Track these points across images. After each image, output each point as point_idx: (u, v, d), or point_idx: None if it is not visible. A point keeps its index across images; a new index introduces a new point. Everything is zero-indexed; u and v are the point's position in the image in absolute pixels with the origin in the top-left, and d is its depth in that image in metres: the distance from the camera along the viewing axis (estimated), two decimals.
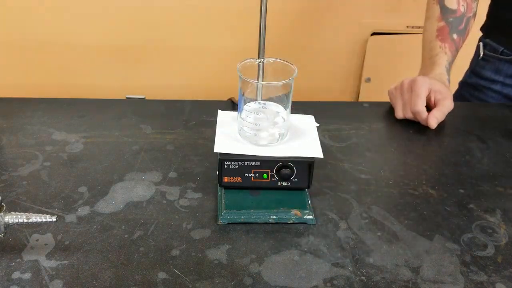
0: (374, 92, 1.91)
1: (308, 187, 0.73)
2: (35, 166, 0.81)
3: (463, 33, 1.09)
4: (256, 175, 0.72)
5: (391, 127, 0.97)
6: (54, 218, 0.62)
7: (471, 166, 0.87)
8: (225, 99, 1.03)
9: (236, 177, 0.72)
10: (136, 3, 1.73)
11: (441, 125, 0.98)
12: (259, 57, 0.71)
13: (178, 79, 1.88)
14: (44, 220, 0.62)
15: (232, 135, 0.74)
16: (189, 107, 1.00)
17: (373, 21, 1.81)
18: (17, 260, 0.64)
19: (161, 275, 0.63)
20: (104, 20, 1.75)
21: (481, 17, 1.24)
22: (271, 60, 0.72)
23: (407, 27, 1.82)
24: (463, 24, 1.08)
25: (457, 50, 1.08)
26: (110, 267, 0.64)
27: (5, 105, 0.98)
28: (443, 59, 1.05)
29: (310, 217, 0.72)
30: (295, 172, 0.71)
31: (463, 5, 1.08)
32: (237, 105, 0.81)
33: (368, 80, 1.88)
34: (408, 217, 0.74)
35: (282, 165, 0.71)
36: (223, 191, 0.75)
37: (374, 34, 1.81)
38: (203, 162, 0.84)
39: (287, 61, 0.71)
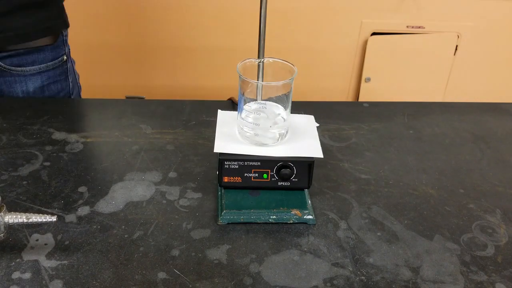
0: (374, 92, 1.91)
1: (308, 187, 0.73)
2: (35, 166, 0.81)
3: None
4: (256, 175, 0.72)
5: (391, 127, 0.97)
6: (54, 218, 0.62)
7: (471, 166, 0.87)
8: (225, 99, 1.03)
9: (236, 177, 0.72)
10: (137, 3, 1.74)
11: (440, 125, 0.98)
12: (259, 57, 0.71)
13: (178, 79, 1.88)
14: (44, 220, 0.62)
15: (232, 135, 0.74)
16: (189, 107, 1.00)
17: (373, 21, 1.81)
18: (17, 260, 0.64)
19: (161, 275, 0.63)
20: (104, 20, 1.75)
21: None
22: (271, 60, 0.72)
23: (407, 27, 1.82)
24: None
25: None
26: (110, 267, 0.64)
27: (5, 105, 0.98)
28: None
29: (310, 217, 0.72)
30: (295, 172, 0.71)
31: None
32: (237, 105, 0.81)
33: (368, 80, 1.88)
34: (408, 217, 0.74)
35: (282, 165, 0.71)
36: (223, 191, 0.75)
37: (374, 34, 1.82)
38: (203, 162, 0.84)
39: (287, 61, 0.71)
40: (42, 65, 1.05)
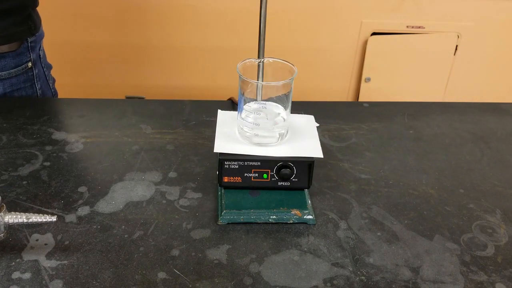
0: (374, 92, 1.91)
1: (308, 187, 0.73)
2: (35, 166, 0.81)
3: None
4: (256, 175, 0.72)
5: (391, 127, 0.97)
6: (54, 218, 0.62)
7: (471, 166, 0.87)
8: (225, 99, 1.03)
9: (236, 177, 0.72)
10: (137, 3, 1.74)
11: (440, 125, 0.98)
12: (259, 57, 0.71)
13: (178, 79, 1.88)
14: (44, 220, 0.62)
15: (232, 135, 0.74)
16: (189, 107, 1.00)
17: (373, 21, 1.81)
18: (17, 260, 0.64)
19: (161, 275, 0.63)
20: (104, 19, 1.75)
21: None
22: (271, 60, 0.72)
23: (407, 27, 1.82)
24: None
25: None
26: (110, 267, 0.64)
27: (5, 105, 0.98)
28: None
29: (310, 217, 0.72)
30: (295, 172, 0.71)
31: None
32: (237, 105, 0.81)
33: (368, 80, 1.88)
34: (408, 217, 0.74)
35: (282, 165, 0.71)
36: (223, 191, 0.75)
37: (374, 34, 1.82)
38: (203, 162, 0.84)
39: (287, 61, 0.71)
40: (4, 72, 1.02)
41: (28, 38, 1.04)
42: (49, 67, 1.15)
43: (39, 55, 1.10)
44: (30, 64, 1.06)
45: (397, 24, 1.82)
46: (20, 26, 1.02)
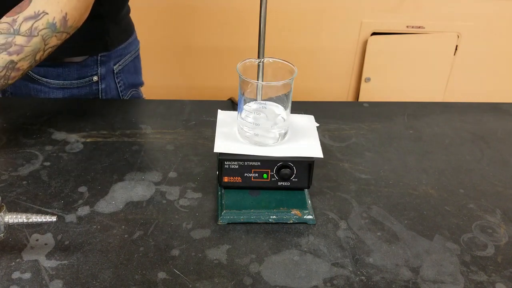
0: (374, 92, 1.91)
1: (308, 187, 0.73)
2: (35, 166, 0.81)
3: None
4: (256, 175, 0.72)
5: (391, 127, 0.97)
6: (54, 218, 0.62)
7: (471, 166, 0.87)
8: (225, 99, 1.03)
9: (236, 177, 0.72)
10: (136, 3, 1.74)
11: (440, 125, 0.98)
12: (259, 57, 0.71)
13: (178, 79, 1.88)
14: (44, 220, 0.62)
15: (232, 135, 0.74)
16: (189, 107, 1.00)
17: (373, 21, 1.81)
18: (17, 260, 0.64)
19: (161, 275, 0.63)
20: None
21: None
22: (271, 60, 0.72)
23: (407, 27, 1.82)
24: None
25: None
26: (110, 267, 0.64)
27: (5, 105, 0.98)
28: None
29: (310, 217, 0.72)
30: (295, 172, 0.71)
31: None
32: (237, 105, 0.81)
33: (368, 80, 1.88)
34: (408, 217, 0.74)
35: (282, 165, 0.71)
36: (223, 191, 0.75)
37: (374, 34, 1.82)
38: (203, 162, 0.84)
39: (287, 61, 0.71)
40: (66, 82, 1.00)
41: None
42: (136, 84, 1.09)
43: (113, 70, 1.04)
44: (95, 78, 1.02)
45: (397, 24, 1.82)
46: (93, 40, 0.97)
